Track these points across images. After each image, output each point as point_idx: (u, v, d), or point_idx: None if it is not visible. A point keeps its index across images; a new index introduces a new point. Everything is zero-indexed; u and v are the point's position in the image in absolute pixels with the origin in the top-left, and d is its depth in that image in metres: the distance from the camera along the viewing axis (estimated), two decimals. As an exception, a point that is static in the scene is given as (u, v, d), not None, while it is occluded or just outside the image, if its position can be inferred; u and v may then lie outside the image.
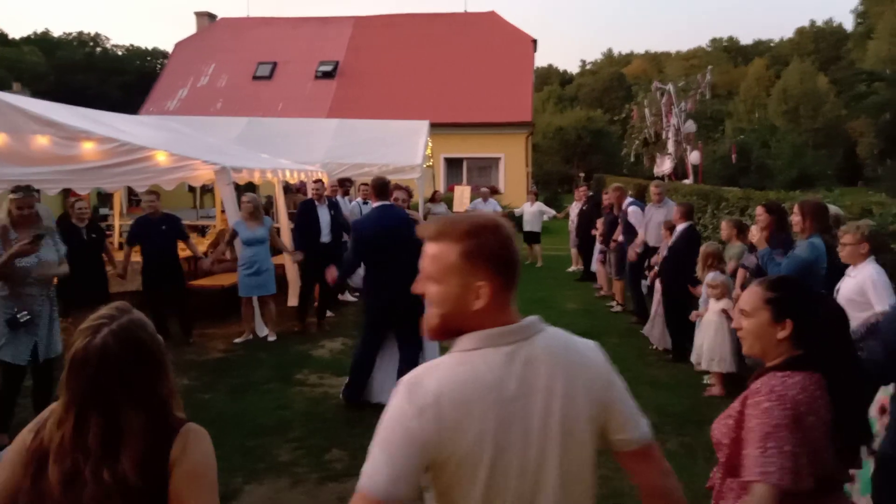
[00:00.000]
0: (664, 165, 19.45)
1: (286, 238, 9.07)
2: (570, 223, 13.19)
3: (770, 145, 33.77)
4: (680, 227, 7.22)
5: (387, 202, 5.59)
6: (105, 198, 15.23)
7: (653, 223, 8.49)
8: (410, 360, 5.39)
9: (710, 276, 6.17)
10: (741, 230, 6.49)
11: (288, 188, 11.29)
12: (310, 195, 8.85)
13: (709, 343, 5.99)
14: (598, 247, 10.74)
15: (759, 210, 5.78)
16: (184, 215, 13.67)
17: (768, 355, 2.04)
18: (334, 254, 8.24)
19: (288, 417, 5.42)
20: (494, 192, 22.39)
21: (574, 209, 12.92)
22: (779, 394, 1.87)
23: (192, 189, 14.38)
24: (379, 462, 1.37)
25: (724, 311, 6.00)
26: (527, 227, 13.98)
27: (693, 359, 6.29)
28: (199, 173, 7.75)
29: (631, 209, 8.92)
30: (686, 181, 17.51)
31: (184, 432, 1.57)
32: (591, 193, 12.80)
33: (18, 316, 4.80)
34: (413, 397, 1.39)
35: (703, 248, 6.40)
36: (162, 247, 7.52)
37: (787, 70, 45.55)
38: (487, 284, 1.43)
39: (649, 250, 8.33)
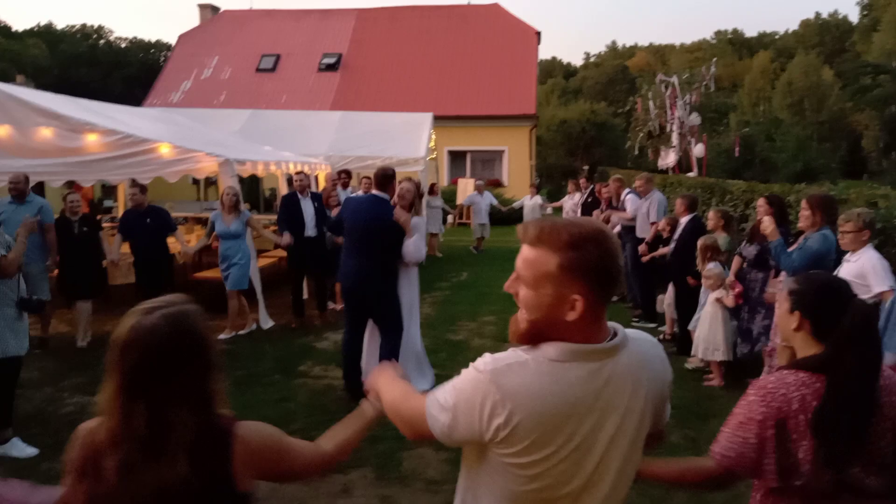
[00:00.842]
0: (668, 158, 19.39)
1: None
2: (564, 216, 13.21)
3: (774, 138, 33.62)
4: (684, 219, 7.22)
5: (380, 194, 5.58)
6: (109, 190, 15.24)
7: (639, 215, 8.61)
8: (389, 347, 5.45)
9: (711, 267, 6.22)
10: (728, 221, 6.72)
11: (291, 181, 11.28)
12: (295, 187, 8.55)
13: (704, 333, 6.09)
14: None
15: (761, 202, 5.82)
16: (187, 208, 13.71)
17: (794, 347, 2.03)
18: (320, 248, 8.13)
19: (291, 409, 5.43)
20: (497, 184, 22.38)
21: (568, 202, 13.09)
22: (767, 390, 1.88)
23: (195, 181, 14.37)
24: (446, 418, 1.46)
25: (719, 300, 6.06)
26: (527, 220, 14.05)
27: (693, 350, 6.33)
28: (203, 166, 7.74)
29: (629, 197, 9.01)
30: (690, 174, 17.46)
31: (240, 437, 1.53)
32: (592, 185, 12.81)
33: (34, 297, 4.82)
34: (495, 387, 1.40)
35: (700, 241, 6.46)
36: (148, 239, 7.42)
37: (792, 63, 45.28)
38: (582, 299, 1.40)
39: (638, 241, 8.44)
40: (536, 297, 1.44)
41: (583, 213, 11.99)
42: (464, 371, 1.51)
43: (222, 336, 7.60)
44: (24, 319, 4.68)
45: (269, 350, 7.14)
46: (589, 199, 12.04)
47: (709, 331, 6.05)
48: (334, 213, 8.11)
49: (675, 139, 19.58)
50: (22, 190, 6.80)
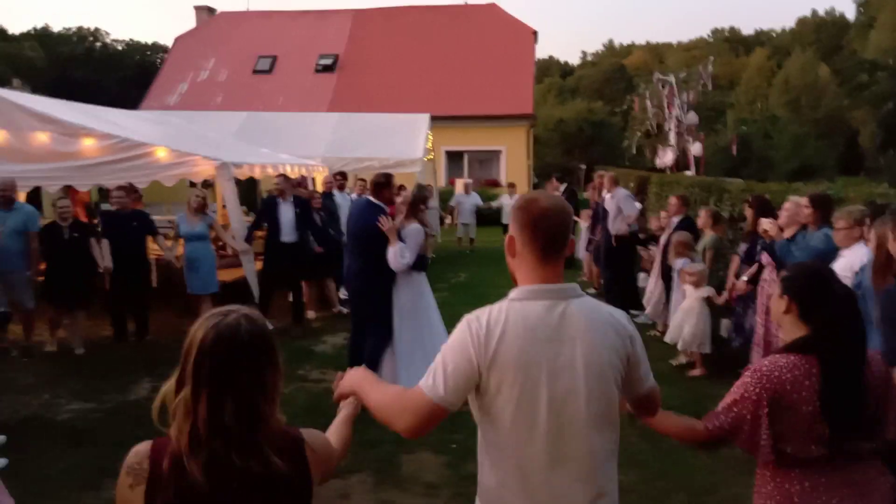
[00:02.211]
0: (666, 157, 19.38)
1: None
2: None
3: (771, 136, 33.65)
4: (675, 218, 7.48)
5: (375, 200, 5.65)
6: (106, 193, 15.19)
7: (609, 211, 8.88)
8: (370, 349, 5.49)
9: (681, 263, 6.66)
10: (717, 220, 7.01)
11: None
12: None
13: (691, 329, 6.35)
14: (584, 236, 11.19)
15: (745, 205, 6.14)
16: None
17: (784, 331, 2.22)
18: (299, 253, 7.96)
19: (290, 414, 5.31)
20: (495, 184, 22.37)
21: None
22: (762, 372, 2.06)
23: (192, 184, 14.35)
24: (440, 375, 1.75)
25: (709, 298, 6.34)
26: (505, 220, 14.17)
27: (668, 338, 6.65)
28: (200, 169, 7.72)
29: (607, 196, 9.25)
30: (687, 172, 17.47)
31: (310, 440, 1.59)
32: (565, 184, 12.99)
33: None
34: (472, 329, 1.75)
35: (675, 237, 6.87)
36: (129, 243, 7.36)
37: (789, 60, 45.31)
38: (518, 241, 1.83)
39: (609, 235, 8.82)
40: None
41: None
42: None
43: None
44: None
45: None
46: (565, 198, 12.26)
47: (695, 325, 6.31)
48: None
49: (672, 138, 19.59)
50: (10, 197, 6.75)
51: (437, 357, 1.78)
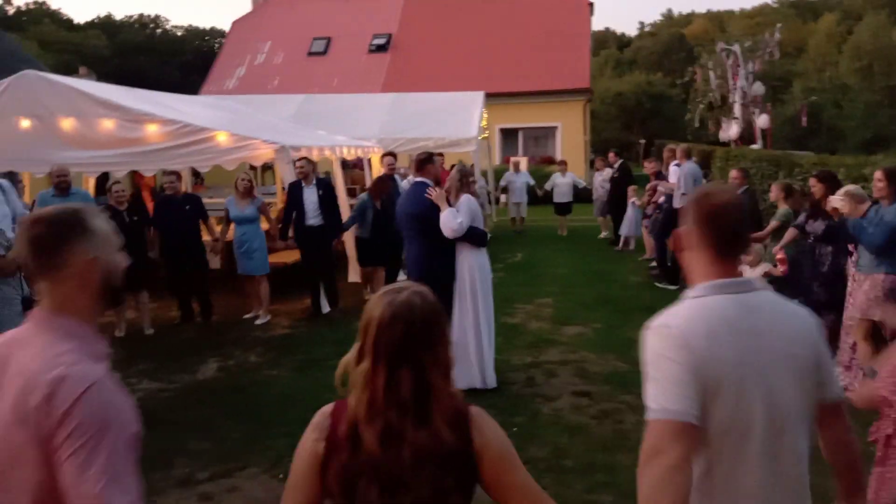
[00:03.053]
0: (730, 130, 18.73)
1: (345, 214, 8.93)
2: (594, 191, 13.65)
3: (842, 105, 32.13)
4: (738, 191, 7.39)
5: (420, 178, 5.64)
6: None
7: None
8: None
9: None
10: (789, 193, 6.92)
11: (345, 164, 11.31)
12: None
13: None
14: (632, 214, 11.63)
15: (812, 181, 6.01)
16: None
17: None
18: (323, 237, 7.86)
19: (349, 394, 5.45)
20: (551, 161, 22.04)
21: (597, 177, 13.32)
22: None
23: (252, 167, 14.59)
24: (660, 395, 1.57)
25: (768, 273, 6.27)
26: (557, 199, 14.03)
27: None
28: (260, 153, 7.80)
29: (672, 168, 9.56)
30: (754, 146, 16.83)
31: (474, 415, 1.60)
32: (621, 160, 12.97)
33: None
34: (664, 334, 1.63)
35: None
36: (184, 227, 7.46)
37: (860, 25, 43.09)
38: (696, 237, 1.73)
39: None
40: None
41: (612, 188, 12.31)
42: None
43: (259, 321, 7.72)
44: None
45: (327, 335, 7.19)
46: (616, 175, 12.38)
47: None
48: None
49: (737, 110, 18.89)
50: (67, 182, 6.82)
51: (651, 381, 1.62)
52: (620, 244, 12.12)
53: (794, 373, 1.64)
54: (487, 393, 5.29)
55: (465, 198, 5.46)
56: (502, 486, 1.58)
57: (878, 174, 4.99)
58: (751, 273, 6.31)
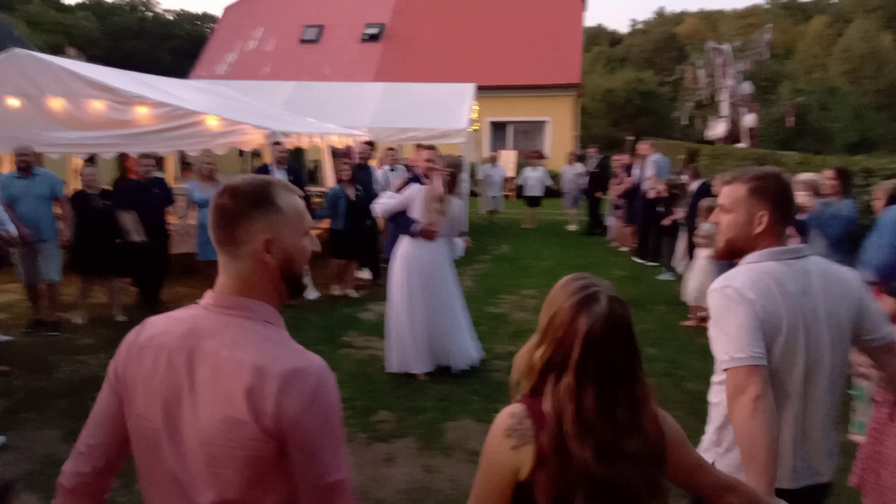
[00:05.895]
0: (717, 129, 18.90)
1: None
2: (564, 185, 14.36)
3: (829, 107, 32.40)
4: (695, 184, 8.51)
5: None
6: (157, 162, 15.50)
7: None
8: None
9: (707, 227, 6.89)
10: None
11: (335, 153, 11.33)
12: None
13: (697, 284, 6.91)
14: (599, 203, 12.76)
15: (829, 174, 6.11)
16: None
17: None
18: None
19: (337, 379, 5.51)
20: (540, 156, 22.12)
21: (568, 172, 14.08)
22: None
23: (241, 153, 14.55)
24: (735, 344, 1.84)
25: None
26: (528, 192, 14.64)
27: (683, 297, 7.28)
28: (250, 138, 7.83)
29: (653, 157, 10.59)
30: (739, 145, 17.00)
31: (655, 406, 1.55)
32: (601, 156, 13.71)
33: None
34: (728, 293, 1.89)
35: (700, 203, 7.34)
36: (152, 211, 7.31)
37: (850, 28, 43.43)
38: (767, 214, 1.96)
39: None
40: (734, 219, 2.00)
41: (590, 183, 13.30)
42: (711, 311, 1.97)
43: None
44: None
45: (313, 320, 7.25)
46: (596, 170, 13.31)
47: (702, 282, 6.78)
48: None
49: (725, 109, 19.05)
50: (29, 163, 6.51)
51: (712, 333, 1.93)
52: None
53: (832, 330, 1.93)
54: (471, 379, 5.38)
55: (455, 200, 5.57)
56: (685, 468, 1.56)
57: (828, 172, 5.28)
58: (703, 253, 6.93)
